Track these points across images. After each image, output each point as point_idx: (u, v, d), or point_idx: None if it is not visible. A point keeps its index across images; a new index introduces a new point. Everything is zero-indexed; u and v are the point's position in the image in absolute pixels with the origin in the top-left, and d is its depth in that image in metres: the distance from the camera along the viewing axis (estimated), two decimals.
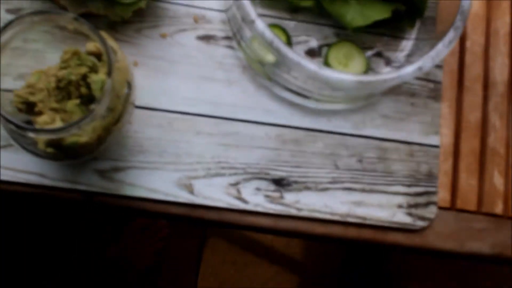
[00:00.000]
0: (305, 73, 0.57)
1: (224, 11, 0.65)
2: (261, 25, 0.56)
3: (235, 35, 0.64)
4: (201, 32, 0.65)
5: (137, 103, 0.60)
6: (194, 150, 0.62)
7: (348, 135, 0.65)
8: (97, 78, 0.52)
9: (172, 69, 0.63)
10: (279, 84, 0.63)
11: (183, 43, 0.64)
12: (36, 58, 0.58)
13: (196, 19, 0.65)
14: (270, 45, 0.55)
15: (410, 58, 0.67)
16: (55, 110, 0.55)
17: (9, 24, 0.50)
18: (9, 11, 0.63)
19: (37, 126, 0.53)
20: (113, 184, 0.60)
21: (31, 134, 0.49)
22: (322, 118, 0.65)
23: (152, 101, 0.63)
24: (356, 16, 0.61)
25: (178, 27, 0.65)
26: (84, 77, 0.56)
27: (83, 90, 0.55)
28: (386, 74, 0.56)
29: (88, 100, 0.57)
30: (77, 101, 0.55)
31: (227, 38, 0.65)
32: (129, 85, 0.53)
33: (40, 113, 0.54)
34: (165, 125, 0.62)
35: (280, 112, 0.64)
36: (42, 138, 0.50)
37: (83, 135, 0.51)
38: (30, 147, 0.52)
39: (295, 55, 0.55)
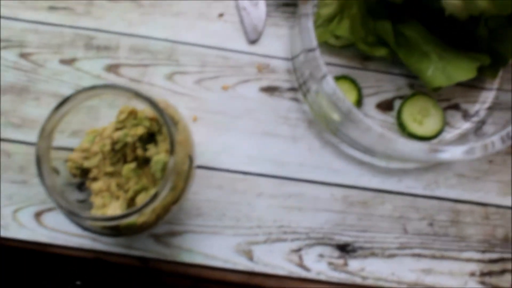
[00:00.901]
0: (375, 137, 0.53)
1: (291, 59, 0.62)
2: (331, 83, 0.53)
3: (301, 87, 0.61)
4: (265, 83, 0.61)
5: (196, 161, 0.57)
6: (254, 213, 0.59)
7: (420, 196, 0.62)
8: (158, 158, 0.50)
9: (233, 125, 0.60)
10: (346, 141, 0.60)
11: (246, 96, 0.61)
12: (90, 114, 0.56)
13: (260, 69, 0.61)
14: (339, 107, 0.52)
15: (491, 111, 0.62)
16: (110, 174, 0.53)
17: (65, 101, 0.47)
18: (63, 61, 0.61)
19: (94, 212, 0.51)
20: (169, 250, 0.59)
21: (88, 222, 0.47)
22: (392, 178, 0.61)
23: (212, 160, 0.60)
24: (438, 74, 0.57)
25: (240, 78, 0.61)
26: (141, 138, 0.53)
27: (139, 152, 0.53)
28: (468, 153, 0.51)
29: (143, 161, 0.54)
30: (133, 165, 0.53)
31: (292, 89, 0.62)
32: (191, 159, 0.51)
33: (95, 179, 0.53)
34: (225, 186, 0.59)
35: (348, 171, 0.61)
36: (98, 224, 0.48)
37: (141, 216, 0.49)
38: (86, 226, 0.50)
39: (366, 120, 0.52)
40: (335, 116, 0.59)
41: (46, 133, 0.49)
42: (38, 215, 0.60)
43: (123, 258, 0.60)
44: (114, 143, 0.55)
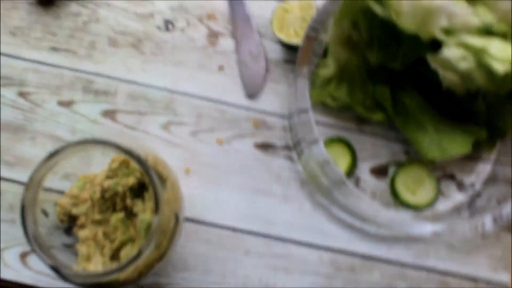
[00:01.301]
0: (364, 205, 0.53)
1: (287, 117, 0.62)
2: (322, 150, 0.54)
3: (295, 146, 0.61)
4: (260, 139, 0.62)
5: (185, 214, 0.58)
6: (241, 271, 0.60)
7: (409, 266, 0.62)
8: (144, 217, 0.50)
9: (225, 179, 0.61)
10: (337, 205, 0.60)
11: (240, 151, 0.62)
12: (84, 159, 0.56)
13: (256, 124, 0.62)
14: (328, 175, 0.52)
15: (487, 184, 0.62)
16: (98, 222, 0.54)
17: (53, 154, 0.49)
18: (61, 103, 0.61)
19: (79, 262, 0.52)
20: None
21: (72, 279, 0.48)
22: (382, 245, 0.61)
23: (202, 213, 0.61)
24: (433, 147, 0.57)
25: (236, 132, 0.62)
26: (131, 188, 0.54)
27: (129, 202, 0.54)
28: (462, 229, 0.52)
29: (132, 212, 0.55)
30: (122, 215, 0.54)
31: (287, 148, 0.62)
32: (177, 217, 0.51)
33: (82, 226, 0.53)
34: (213, 241, 0.60)
35: (337, 235, 0.62)
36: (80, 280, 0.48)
37: (123, 273, 0.49)
38: (67, 278, 0.50)
39: (355, 189, 0.52)
40: (324, 181, 0.59)
41: (34, 183, 0.50)
42: (23, 256, 0.60)
43: None
44: (104, 191, 0.55)
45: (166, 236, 0.52)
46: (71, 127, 0.63)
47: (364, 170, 0.64)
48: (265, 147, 0.64)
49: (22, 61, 0.65)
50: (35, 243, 0.49)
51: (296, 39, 0.62)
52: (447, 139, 0.59)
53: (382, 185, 0.64)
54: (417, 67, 0.54)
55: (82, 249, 0.54)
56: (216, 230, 0.62)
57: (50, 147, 0.62)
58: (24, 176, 0.62)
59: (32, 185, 0.50)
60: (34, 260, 0.61)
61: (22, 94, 0.64)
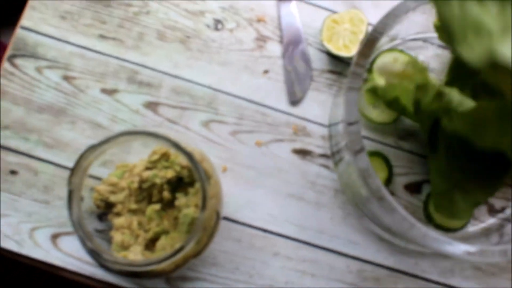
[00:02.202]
0: (398, 219, 0.55)
1: (327, 126, 0.65)
2: (365, 159, 0.56)
3: (333, 155, 0.64)
4: (298, 145, 0.64)
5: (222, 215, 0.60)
6: (268, 272, 0.62)
7: (433, 282, 0.64)
8: (188, 212, 0.52)
9: (261, 181, 0.63)
10: (368, 216, 0.62)
11: (278, 155, 0.64)
12: (123, 147, 0.58)
13: (296, 130, 0.64)
14: (368, 184, 0.54)
15: None
16: (133, 211, 0.56)
17: (105, 141, 0.52)
18: (104, 91, 0.64)
19: (114, 249, 0.54)
20: None
21: (109, 265, 0.49)
22: (409, 260, 0.64)
23: (235, 212, 0.63)
24: (444, 203, 0.60)
25: (275, 136, 0.64)
26: (169, 181, 0.56)
27: (166, 194, 0.56)
28: (492, 253, 0.54)
29: (168, 204, 0.56)
30: (158, 206, 0.56)
31: (324, 156, 0.65)
32: (218, 214, 0.53)
33: (118, 214, 0.55)
34: (243, 241, 0.62)
35: (366, 245, 0.64)
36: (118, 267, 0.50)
37: (162, 265, 0.51)
38: (104, 264, 0.53)
39: (393, 201, 0.54)
40: (363, 191, 0.61)
41: (81, 169, 0.52)
42: (54, 237, 0.62)
43: None
44: (142, 181, 0.57)
45: (206, 233, 0.54)
46: (112, 116, 0.65)
47: (398, 186, 0.67)
48: (302, 153, 0.66)
49: (70, 45, 0.67)
50: (79, 227, 0.51)
51: (344, 52, 0.65)
52: (472, 192, 0.62)
53: (414, 201, 0.67)
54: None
55: (116, 236, 0.56)
56: (247, 230, 0.64)
57: (89, 133, 0.65)
58: (60, 159, 0.64)
59: (79, 171, 0.52)
60: (64, 242, 0.63)
61: (66, 78, 0.66)
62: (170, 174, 0.58)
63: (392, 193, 0.66)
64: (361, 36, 0.65)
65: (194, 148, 0.56)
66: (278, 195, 0.65)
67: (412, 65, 0.62)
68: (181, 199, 0.55)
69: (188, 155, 0.51)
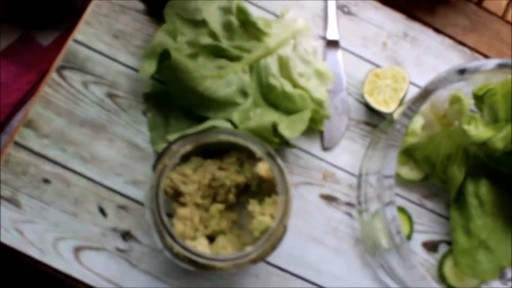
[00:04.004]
0: (415, 276, 0.58)
1: (357, 176, 0.68)
2: (394, 212, 0.58)
3: (360, 204, 0.67)
4: (326, 191, 0.67)
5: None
6: None
7: None
8: (263, 220, 0.55)
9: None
10: (384, 268, 0.65)
11: (305, 197, 0.67)
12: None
13: (325, 176, 0.67)
14: (392, 236, 0.57)
15: None
16: (197, 205, 0.58)
17: (194, 135, 0.57)
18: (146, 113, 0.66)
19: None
20: None
21: (179, 249, 0.54)
22: None
23: None
24: (465, 260, 0.64)
25: (305, 179, 0.67)
26: (237, 185, 0.58)
27: (231, 197, 0.60)
28: None
29: (230, 206, 0.62)
30: (222, 206, 0.60)
31: (349, 204, 0.67)
32: (285, 228, 0.56)
33: (183, 204, 0.59)
34: (261, 277, 0.65)
35: None
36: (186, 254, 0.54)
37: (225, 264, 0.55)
38: (166, 246, 0.56)
39: (413, 257, 0.57)
40: (384, 243, 0.64)
41: (173, 153, 0.57)
42: (77, 250, 0.65)
43: None
44: (213, 179, 0.61)
45: (272, 244, 0.57)
46: (149, 138, 0.68)
47: (416, 242, 0.70)
48: (329, 199, 0.69)
49: (118, 64, 0.70)
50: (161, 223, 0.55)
51: (383, 107, 0.68)
52: (484, 257, 0.65)
53: (430, 259, 0.70)
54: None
55: (178, 225, 0.59)
56: (265, 266, 0.67)
57: (126, 152, 0.67)
58: (94, 174, 0.67)
59: (171, 153, 0.57)
60: (86, 256, 0.65)
61: (111, 96, 0.69)
62: (240, 179, 0.61)
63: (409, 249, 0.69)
64: (401, 94, 0.69)
65: (281, 162, 0.58)
66: (300, 236, 0.68)
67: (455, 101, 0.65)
68: (255, 206, 0.58)
69: (279, 166, 0.54)
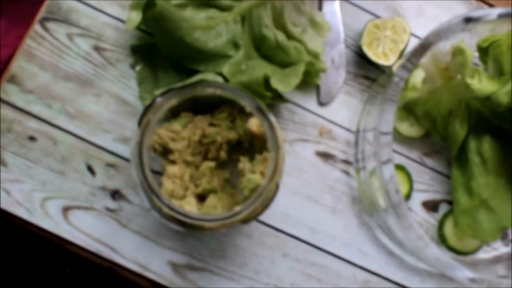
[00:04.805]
0: (413, 236, 0.56)
1: (354, 132, 0.65)
2: (391, 171, 0.56)
3: (357, 162, 0.65)
4: (322, 148, 0.65)
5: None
6: (275, 271, 0.63)
7: None
8: (253, 178, 0.53)
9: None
10: (382, 228, 0.63)
11: (300, 155, 0.65)
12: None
13: (322, 132, 0.65)
14: (389, 196, 0.55)
15: None
16: (187, 163, 0.57)
17: (186, 88, 0.54)
18: (134, 67, 0.64)
19: (164, 194, 0.54)
20: (183, 282, 0.63)
21: (167, 210, 0.52)
22: (416, 277, 0.66)
23: None
24: (465, 220, 0.62)
25: (300, 136, 0.65)
26: (229, 141, 0.56)
27: (222, 154, 0.58)
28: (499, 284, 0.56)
29: (221, 164, 0.59)
30: (213, 164, 0.58)
31: (346, 162, 0.65)
32: (277, 186, 0.55)
33: (173, 162, 0.57)
34: (255, 237, 0.63)
35: (376, 258, 0.65)
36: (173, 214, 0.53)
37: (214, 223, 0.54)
38: (157, 207, 0.55)
39: (411, 217, 0.56)
40: (381, 202, 0.62)
41: (158, 107, 0.54)
42: (66, 209, 0.63)
43: (135, 277, 0.64)
44: (203, 136, 0.58)
45: (263, 202, 0.55)
46: (139, 92, 0.66)
47: (416, 202, 0.68)
48: (325, 156, 0.67)
49: (104, 15, 0.67)
50: (144, 164, 0.53)
51: (382, 59, 0.65)
52: (485, 217, 0.63)
53: (430, 219, 0.68)
54: None
55: (167, 184, 0.57)
56: (259, 226, 0.65)
57: (114, 108, 0.65)
58: (81, 131, 0.65)
59: (157, 108, 0.54)
60: (75, 216, 0.64)
61: (97, 49, 0.66)
62: (232, 135, 0.59)
63: (409, 209, 0.67)
64: (401, 46, 0.66)
65: (271, 117, 0.56)
66: (295, 195, 0.66)
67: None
68: (245, 164, 0.56)
69: (269, 121, 0.52)
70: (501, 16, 0.57)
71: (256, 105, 0.53)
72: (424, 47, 0.58)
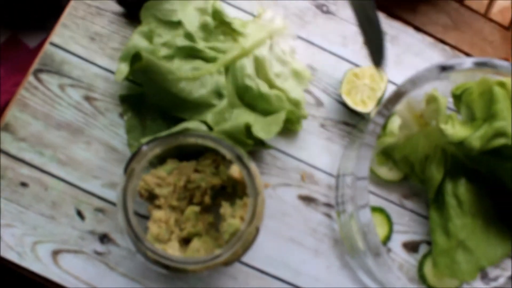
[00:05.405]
0: (393, 278, 0.59)
1: (335, 176, 0.68)
2: (367, 215, 0.59)
3: (338, 205, 0.67)
4: (304, 192, 0.68)
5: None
6: None
7: None
8: (233, 222, 0.56)
9: (264, 222, 0.66)
10: (364, 269, 0.65)
11: (283, 199, 0.68)
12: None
13: (304, 177, 0.68)
14: (367, 239, 0.58)
15: (511, 280, 0.68)
16: (173, 208, 0.59)
17: (172, 137, 0.57)
18: (123, 116, 0.66)
19: (149, 239, 0.57)
20: None
21: (151, 254, 0.55)
22: None
23: None
24: (444, 261, 0.65)
25: (283, 180, 0.68)
26: (213, 187, 0.58)
27: (206, 199, 0.61)
28: None
29: (205, 209, 0.62)
30: (198, 209, 0.61)
31: (327, 205, 0.68)
32: (257, 230, 0.57)
33: (159, 207, 0.60)
34: (239, 279, 0.66)
35: None
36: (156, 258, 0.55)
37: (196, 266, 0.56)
38: (141, 251, 0.57)
39: (389, 261, 0.60)
40: (360, 245, 0.64)
41: (143, 156, 0.57)
42: (55, 253, 0.65)
43: None
44: (188, 181, 0.61)
45: (244, 246, 0.58)
46: (127, 141, 0.69)
47: (396, 243, 0.70)
48: (307, 200, 0.70)
49: (95, 66, 0.71)
50: (129, 211, 0.56)
51: (361, 107, 0.68)
52: (463, 258, 0.65)
53: (411, 260, 0.70)
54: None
55: (153, 228, 0.59)
56: (244, 268, 0.67)
57: (103, 155, 0.68)
58: (72, 177, 0.67)
59: (141, 156, 0.57)
60: (64, 259, 0.66)
61: (88, 98, 0.69)
62: (216, 181, 0.61)
63: (390, 250, 0.69)
64: (379, 93, 0.69)
65: (251, 164, 0.59)
66: (278, 238, 0.69)
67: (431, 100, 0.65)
68: (226, 209, 0.59)
69: (248, 169, 0.55)
70: (477, 65, 0.61)
71: (235, 153, 0.56)
72: (399, 94, 0.61)
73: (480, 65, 0.63)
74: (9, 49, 1.07)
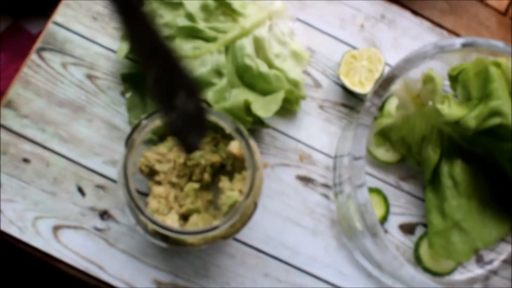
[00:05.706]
0: (388, 257, 0.59)
1: (333, 157, 0.69)
2: (365, 194, 0.60)
3: (335, 186, 0.68)
4: (303, 172, 0.69)
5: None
6: None
7: None
8: (232, 195, 0.57)
9: (262, 202, 0.68)
10: (361, 250, 0.66)
11: (282, 179, 0.68)
12: None
13: (302, 157, 0.69)
14: (364, 219, 0.59)
15: (505, 264, 0.69)
16: (172, 184, 0.61)
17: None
18: (124, 94, 0.68)
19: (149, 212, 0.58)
20: None
21: (148, 223, 0.56)
22: None
23: None
24: (439, 241, 0.65)
25: (282, 160, 0.69)
26: (212, 164, 0.60)
27: (206, 176, 0.62)
28: None
29: (205, 186, 0.63)
30: (197, 185, 0.62)
31: (325, 186, 0.69)
32: (256, 205, 0.58)
33: (158, 183, 0.61)
34: (237, 257, 0.66)
35: (354, 279, 0.68)
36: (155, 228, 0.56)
37: (195, 238, 0.58)
38: (141, 222, 0.59)
39: (386, 239, 0.61)
40: (358, 225, 0.65)
41: (143, 128, 0.57)
42: (56, 228, 0.67)
43: None
44: (188, 158, 0.62)
45: (242, 219, 0.59)
46: (128, 118, 0.70)
47: (393, 225, 0.71)
48: (305, 180, 0.71)
49: (97, 45, 0.72)
50: (128, 182, 0.56)
51: (358, 88, 0.69)
52: (458, 238, 0.66)
53: (407, 242, 0.71)
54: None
55: (153, 203, 0.61)
56: (242, 247, 0.68)
57: (104, 132, 0.69)
58: (73, 154, 0.69)
59: (142, 129, 0.57)
60: (65, 235, 0.67)
61: (90, 77, 0.71)
62: (215, 158, 0.62)
63: (386, 231, 0.70)
64: (376, 75, 0.70)
65: (250, 139, 0.60)
66: (276, 217, 0.70)
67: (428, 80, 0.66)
68: (225, 182, 0.60)
69: (247, 142, 0.56)
70: (464, 45, 0.62)
71: (235, 126, 0.57)
72: (394, 73, 0.63)
73: (468, 45, 0.64)
74: (11, 35, 1.08)
